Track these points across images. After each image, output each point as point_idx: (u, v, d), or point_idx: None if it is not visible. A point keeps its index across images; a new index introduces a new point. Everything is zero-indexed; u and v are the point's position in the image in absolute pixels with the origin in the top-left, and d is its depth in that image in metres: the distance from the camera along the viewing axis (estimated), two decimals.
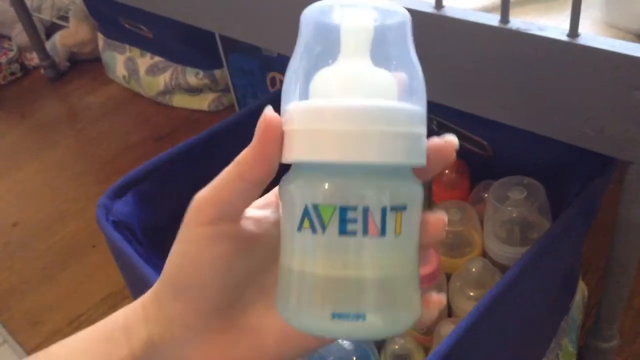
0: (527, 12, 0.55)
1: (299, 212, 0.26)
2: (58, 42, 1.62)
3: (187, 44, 1.32)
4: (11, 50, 1.67)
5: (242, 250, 0.28)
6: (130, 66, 1.47)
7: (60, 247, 1.13)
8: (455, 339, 0.49)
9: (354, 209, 0.25)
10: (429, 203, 0.78)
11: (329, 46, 0.27)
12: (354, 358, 0.61)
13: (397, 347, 0.64)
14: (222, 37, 1.17)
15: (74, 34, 1.61)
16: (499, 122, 0.54)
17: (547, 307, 0.64)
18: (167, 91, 1.42)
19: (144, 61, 1.44)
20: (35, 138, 1.46)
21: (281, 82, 0.99)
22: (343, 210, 0.25)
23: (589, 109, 0.48)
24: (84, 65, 1.67)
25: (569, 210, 0.58)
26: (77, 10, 1.58)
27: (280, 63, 1.12)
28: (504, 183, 0.66)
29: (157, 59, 1.41)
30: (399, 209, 0.26)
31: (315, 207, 0.25)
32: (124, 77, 1.51)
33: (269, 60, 1.13)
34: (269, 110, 0.26)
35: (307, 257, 0.26)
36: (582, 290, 0.76)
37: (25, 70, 1.70)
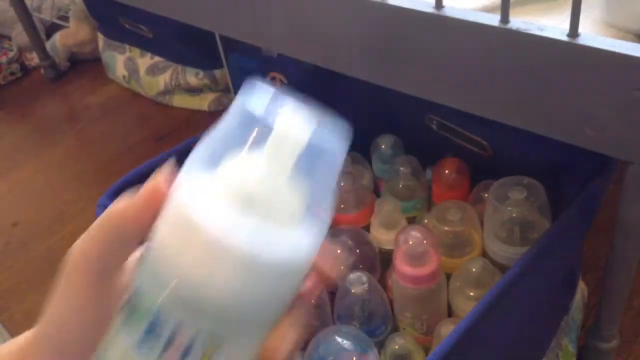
0: (527, 12, 0.55)
1: (126, 294, 0.26)
2: (58, 42, 1.62)
3: (187, 44, 1.32)
4: (11, 50, 1.67)
5: None
6: (130, 66, 1.47)
7: (60, 247, 1.13)
8: (455, 339, 0.49)
9: (168, 323, 0.24)
10: (429, 203, 0.78)
11: (254, 135, 0.25)
12: (354, 358, 0.61)
13: (397, 347, 0.64)
14: (222, 37, 1.17)
15: (74, 34, 1.61)
16: (499, 122, 0.54)
17: (547, 307, 0.64)
18: (167, 91, 1.42)
19: (144, 61, 1.44)
20: (35, 138, 1.46)
21: (281, 82, 0.99)
22: (157, 319, 0.24)
23: (589, 109, 0.48)
24: (84, 65, 1.67)
25: (569, 210, 0.58)
26: (77, 10, 1.58)
27: (280, 63, 1.12)
28: (504, 183, 0.66)
29: (157, 59, 1.41)
30: (217, 344, 0.25)
31: (139, 295, 0.25)
32: (124, 77, 1.51)
33: (269, 60, 1.13)
34: (162, 175, 0.27)
35: (107, 341, 0.26)
36: (582, 290, 0.76)
37: (25, 70, 1.70)
